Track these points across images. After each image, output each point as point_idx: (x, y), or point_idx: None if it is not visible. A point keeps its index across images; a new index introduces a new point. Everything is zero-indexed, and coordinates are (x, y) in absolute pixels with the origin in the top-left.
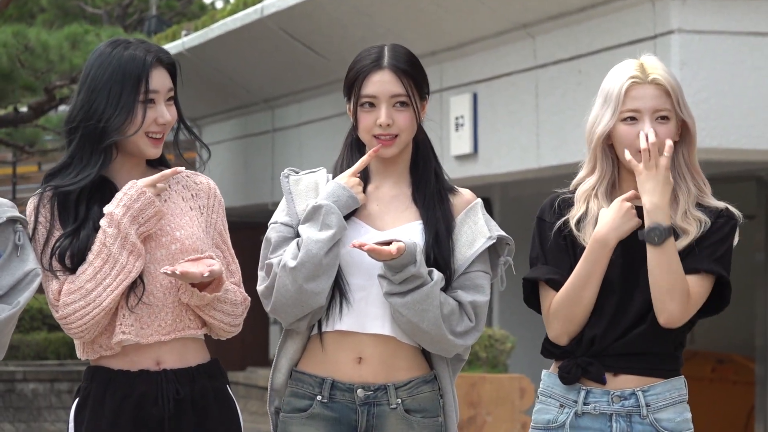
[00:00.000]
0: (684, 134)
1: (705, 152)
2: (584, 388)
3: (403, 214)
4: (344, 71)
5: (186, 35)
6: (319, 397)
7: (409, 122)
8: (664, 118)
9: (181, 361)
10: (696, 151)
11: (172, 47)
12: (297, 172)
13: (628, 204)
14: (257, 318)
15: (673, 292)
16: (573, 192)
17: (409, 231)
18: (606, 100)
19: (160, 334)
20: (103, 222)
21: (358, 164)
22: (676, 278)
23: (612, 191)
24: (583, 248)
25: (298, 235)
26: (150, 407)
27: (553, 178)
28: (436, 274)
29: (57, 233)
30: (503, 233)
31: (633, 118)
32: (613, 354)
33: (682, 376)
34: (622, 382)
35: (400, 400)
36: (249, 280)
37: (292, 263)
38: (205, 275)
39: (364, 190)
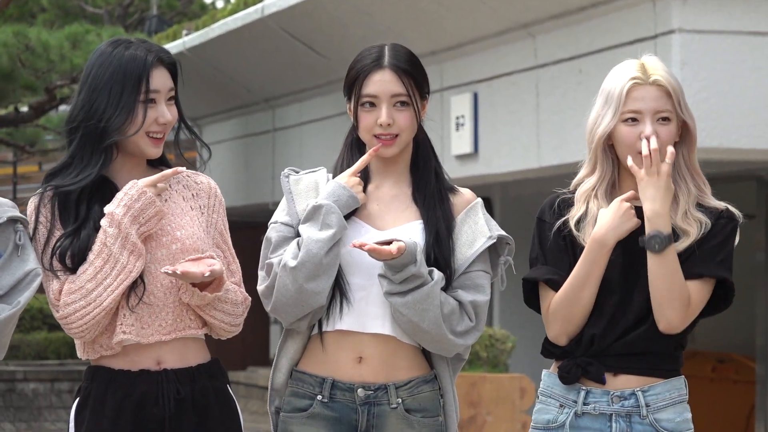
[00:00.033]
0: (684, 135)
1: (705, 152)
2: (584, 388)
3: (403, 214)
4: (345, 71)
5: (187, 35)
6: (319, 397)
7: (409, 122)
8: (665, 119)
9: (182, 360)
10: (696, 152)
11: (172, 47)
12: (297, 172)
13: (627, 204)
14: (258, 318)
15: (673, 299)
16: (573, 192)
17: (409, 230)
18: (607, 101)
19: (161, 333)
20: (103, 222)
21: (359, 164)
22: (676, 286)
23: (612, 191)
24: (583, 248)
25: (298, 235)
26: (150, 407)
27: (554, 177)
28: (437, 274)
29: (58, 233)
30: (503, 233)
31: (634, 119)
32: (613, 354)
33: (683, 376)
34: (622, 382)
35: (400, 400)
36: (249, 279)
37: (292, 263)
38: (205, 275)
39: (365, 190)
